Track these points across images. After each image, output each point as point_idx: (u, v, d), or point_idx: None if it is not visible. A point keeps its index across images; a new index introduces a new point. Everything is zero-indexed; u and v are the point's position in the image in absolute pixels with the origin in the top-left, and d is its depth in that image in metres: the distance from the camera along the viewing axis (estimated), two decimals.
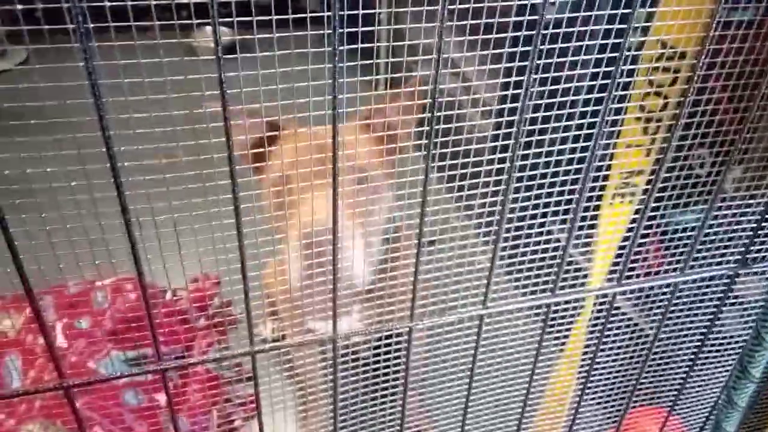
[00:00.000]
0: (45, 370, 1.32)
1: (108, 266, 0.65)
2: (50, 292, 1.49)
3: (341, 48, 0.49)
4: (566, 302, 0.71)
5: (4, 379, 1.31)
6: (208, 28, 0.45)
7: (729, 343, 0.89)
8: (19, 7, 0.50)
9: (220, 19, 0.46)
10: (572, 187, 0.67)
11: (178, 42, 0.60)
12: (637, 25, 0.49)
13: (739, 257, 0.74)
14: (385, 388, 0.88)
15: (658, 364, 0.90)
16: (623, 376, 0.89)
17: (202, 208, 0.64)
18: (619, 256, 0.80)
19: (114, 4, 0.50)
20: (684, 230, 0.89)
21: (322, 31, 0.56)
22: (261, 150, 0.93)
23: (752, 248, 0.75)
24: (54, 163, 0.62)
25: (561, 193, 0.74)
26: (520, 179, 0.68)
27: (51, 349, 0.51)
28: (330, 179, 0.62)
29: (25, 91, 0.60)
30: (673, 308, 0.78)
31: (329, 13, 0.45)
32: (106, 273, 1.46)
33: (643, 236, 0.70)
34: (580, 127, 0.66)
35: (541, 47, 0.52)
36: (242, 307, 0.56)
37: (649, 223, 0.74)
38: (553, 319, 0.78)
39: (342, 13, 0.47)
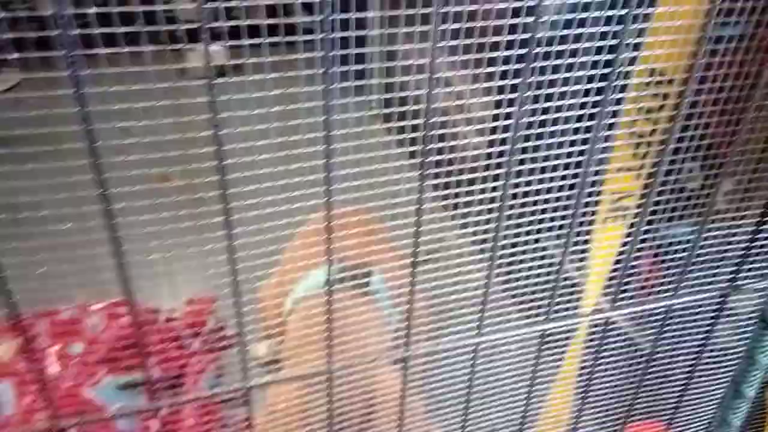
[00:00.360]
0: (39, 399, 1.31)
1: (101, 290, 0.65)
2: (44, 317, 1.48)
3: (333, 69, 0.49)
4: (561, 326, 0.71)
5: None
6: (198, 49, 0.45)
7: (723, 362, 0.89)
8: (4, 36, 0.50)
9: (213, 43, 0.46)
10: (565, 212, 0.67)
11: (171, 64, 0.61)
12: (626, 55, 0.50)
13: (730, 278, 0.74)
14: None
15: (654, 382, 0.90)
16: (620, 392, 0.89)
17: (195, 231, 0.64)
18: (613, 277, 0.81)
19: (104, 30, 0.51)
20: (677, 244, 0.90)
21: (313, 54, 0.56)
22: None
23: (743, 268, 0.75)
24: (46, 188, 0.62)
25: (555, 213, 0.74)
26: (513, 199, 0.69)
27: (41, 379, 0.50)
28: None
29: (14, 116, 0.60)
30: (667, 327, 0.78)
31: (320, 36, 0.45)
32: (99, 297, 1.45)
33: (637, 256, 0.70)
34: (571, 150, 0.67)
35: (535, 64, 0.53)
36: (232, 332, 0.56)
37: (643, 239, 0.75)
38: (548, 341, 0.78)
39: (333, 35, 0.48)
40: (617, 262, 0.78)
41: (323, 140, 0.52)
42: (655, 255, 1.20)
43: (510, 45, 0.60)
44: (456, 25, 0.59)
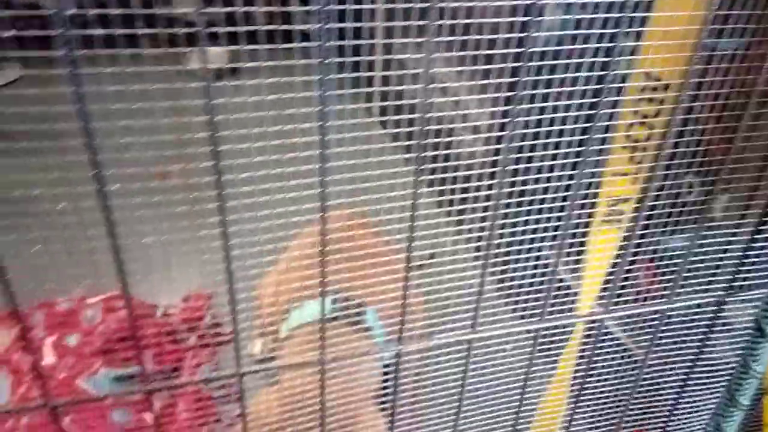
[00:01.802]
0: (33, 388, 1.31)
1: (97, 283, 0.66)
2: (40, 308, 1.48)
3: (330, 76, 0.50)
4: (555, 327, 0.71)
5: None
6: (200, 50, 0.46)
7: (718, 370, 0.89)
8: (6, 34, 0.50)
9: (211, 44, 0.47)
10: (560, 214, 0.67)
11: (171, 65, 0.61)
12: (622, 58, 0.51)
13: (726, 284, 0.75)
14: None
15: (648, 389, 0.90)
16: (614, 399, 0.90)
17: (192, 229, 0.64)
18: (608, 281, 0.81)
19: (104, 32, 0.51)
20: (672, 256, 0.90)
21: (312, 60, 0.57)
22: None
23: (739, 275, 0.75)
24: (44, 181, 0.63)
25: (550, 219, 0.74)
26: (508, 204, 0.69)
27: (36, 367, 0.51)
28: None
29: (14, 110, 0.60)
30: (662, 334, 0.78)
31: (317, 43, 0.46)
32: (95, 290, 1.46)
33: (632, 262, 0.70)
34: (567, 154, 0.67)
35: (532, 67, 0.54)
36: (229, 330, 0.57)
37: (638, 248, 0.75)
38: (543, 342, 0.78)
39: (330, 43, 0.48)
40: (613, 266, 0.78)
41: (318, 143, 0.53)
42: (651, 261, 1.20)
43: (507, 46, 0.61)
44: (452, 38, 0.60)
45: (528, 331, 0.68)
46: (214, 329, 1.56)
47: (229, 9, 0.57)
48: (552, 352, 0.87)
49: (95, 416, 1.22)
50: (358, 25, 0.62)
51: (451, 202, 0.73)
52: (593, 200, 0.75)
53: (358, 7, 0.63)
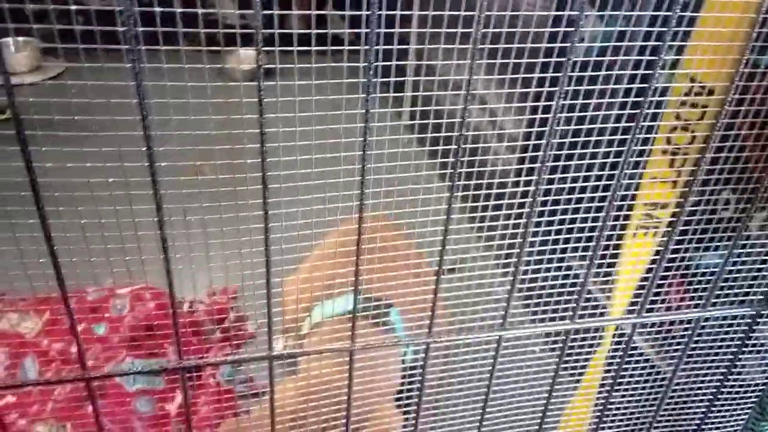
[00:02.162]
0: (60, 373, 1.33)
1: (129, 274, 0.68)
2: (70, 297, 1.51)
3: (375, 81, 0.50)
4: (585, 331, 0.71)
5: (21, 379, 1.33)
6: (241, 52, 0.46)
7: (749, 385, 0.87)
8: (79, 27, 0.52)
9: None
10: (595, 217, 0.67)
11: (211, 65, 0.63)
12: (667, 57, 0.51)
13: (762, 297, 0.73)
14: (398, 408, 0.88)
15: (676, 403, 0.89)
16: (639, 414, 0.88)
17: (221, 224, 0.65)
18: (640, 289, 0.80)
19: (165, 29, 0.53)
20: (705, 274, 0.88)
21: (356, 64, 0.57)
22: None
23: None
24: (81, 170, 0.64)
25: (583, 224, 0.74)
26: (542, 211, 0.69)
27: (78, 341, 0.52)
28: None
29: (58, 103, 0.62)
30: (693, 347, 0.77)
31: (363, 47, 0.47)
32: (129, 281, 1.48)
33: (665, 272, 0.69)
34: (605, 158, 0.67)
35: (571, 75, 0.54)
36: (258, 322, 0.57)
37: (672, 259, 0.74)
38: (571, 349, 0.77)
39: (377, 47, 0.49)
40: (647, 272, 0.77)
41: (360, 145, 0.53)
42: (681, 281, 1.18)
43: (547, 55, 0.61)
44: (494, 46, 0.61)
45: (557, 333, 0.67)
46: (238, 325, 1.57)
47: (285, 11, 0.58)
48: (580, 358, 0.86)
49: (119, 403, 1.24)
50: (403, 30, 0.63)
51: (479, 208, 0.73)
52: (629, 203, 0.74)
53: (407, 12, 0.64)
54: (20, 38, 2.70)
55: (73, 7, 0.50)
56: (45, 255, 0.70)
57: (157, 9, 0.54)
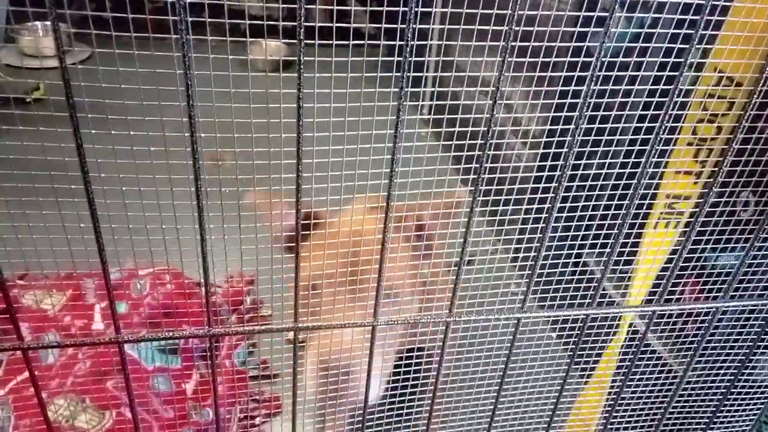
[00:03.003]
0: (81, 349, 1.36)
1: (148, 256, 0.70)
2: (93, 276, 1.54)
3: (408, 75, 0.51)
4: (601, 320, 0.71)
5: (40, 354, 1.36)
6: (262, 42, 0.48)
7: (759, 387, 0.87)
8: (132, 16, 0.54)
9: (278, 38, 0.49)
10: (618, 205, 0.68)
11: (235, 55, 0.64)
12: (698, 45, 0.51)
13: None
14: (413, 393, 0.89)
15: (686, 400, 0.89)
16: (650, 409, 0.89)
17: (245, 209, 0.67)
18: (658, 280, 0.81)
19: (213, 20, 0.55)
20: (720, 274, 0.88)
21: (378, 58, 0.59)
22: (306, 231, 0.94)
23: None
24: (105, 151, 0.66)
25: (602, 219, 0.75)
26: (562, 207, 0.70)
27: (112, 306, 0.54)
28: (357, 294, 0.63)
29: (86, 86, 0.64)
30: (707, 343, 0.78)
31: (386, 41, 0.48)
32: (148, 263, 1.51)
33: (683, 267, 0.70)
34: (629, 151, 0.68)
35: (598, 74, 0.54)
36: (273, 306, 0.58)
37: (690, 255, 0.75)
38: (586, 339, 0.78)
39: (411, 43, 0.50)
40: (666, 263, 0.78)
41: (392, 138, 0.54)
42: (697, 280, 1.18)
43: (573, 55, 0.62)
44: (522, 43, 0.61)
45: (575, 320, 0.68)
46: (253, 311, 1.60)
47: (318, 6, 0.60)
48: (594, 348, 0.87)
49: (137, 380, 1.26)
50: (439, 27, 0.64)
51: (498, 202, 0.74)
52: (652, 191, 0.75)
53: (443, 9, 0.65)
54: (48, 22, 2.75)
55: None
56: (71, 233, 0.73)
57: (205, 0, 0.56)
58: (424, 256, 0.94)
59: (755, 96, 0.58)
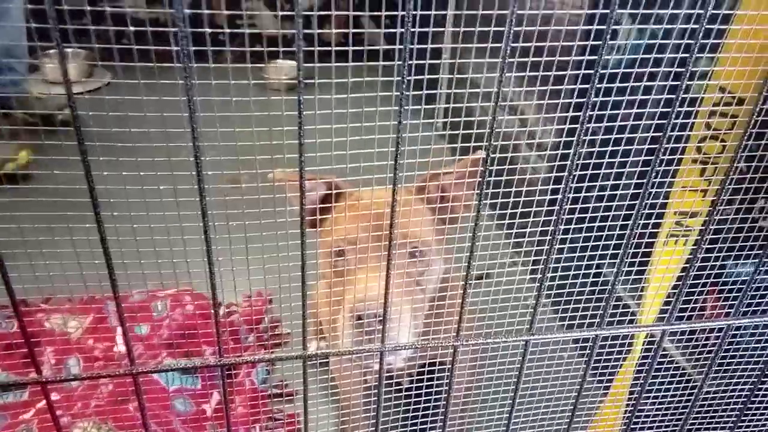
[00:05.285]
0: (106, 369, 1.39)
1: (165, 279, 0.71)
2: (114, 299, 1.57)
3: (407, 93, 0.53)
4: (615, 338, 0.71)
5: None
6: (279, 62, 0.49)
7: None
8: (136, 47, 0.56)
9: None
10: (624, 224, 0.68)
11: (249, 75, 0.66)
12: (696, 69, 0.52)
13: None
14: (426, 413, 0.89)
15: (706, 412, 0.88)
16: (669, 422, 0.88)
17: (262, 229, 0.69)
18: (670, 297, 0.80)
19: (216, 48, 0.56)
20: (736, 283, 0.88)
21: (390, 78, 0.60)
22: (324, 206, 0.98)
23: None
24: (120, 178, 0.68)
25: (611, 231, 0.75)
26: (571, 220, 0.70)
27: (126, 337, 0.56)
28: (383, 253, 0.64)
29: (106, 111, 0.66)
30: (724, 356, 0.77)
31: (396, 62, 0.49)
32: (165, 284, 1.54)
33: (696, 281, 0.70)
34: (635, 166, 0.68)
35: (601, 85, 0.55)
36: (291, 324, 0.60)
37: (704, 268, 0.74)
38: (600, 356, 0.78)
39: (411, 63, 0.51)
40: (678, 279, 0.77)
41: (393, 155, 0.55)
42: (713, 290, 1.17)
43: (579, 62, 0.62)
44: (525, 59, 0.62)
45: (585, 340, 0.68)
46: (272, 331, 1.61)
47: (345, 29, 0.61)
48: (608, 367, 0.86)
49: (158, 400, 1.28)
50: (436, 46, 0.65)
51: (508, 216, 0.75)
52: (659, 211, 0.75)
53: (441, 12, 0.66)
54: (69, 49, 2.82)
55: (131, 29, 0.54)
56: (90, 259, 0.75)
57: (207, 30, 0.58)
58: (450, 221, 0.96)
59: (756, 113, 0.58)
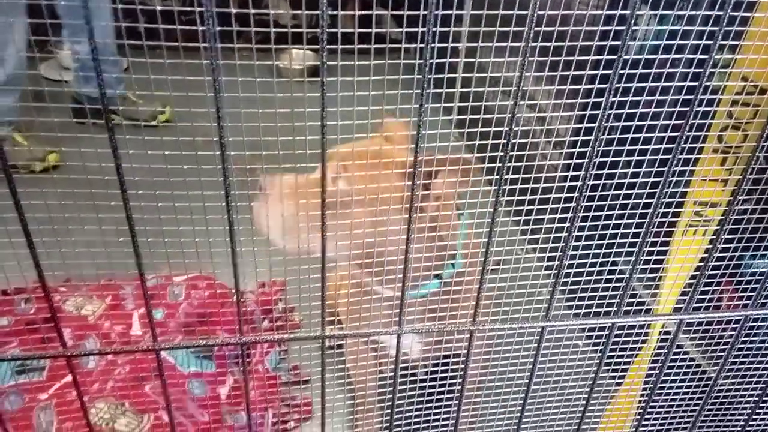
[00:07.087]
0: (119, 355, 1.41)
1: (183, 263, 0.72)
2: (131, 282, 1.59)
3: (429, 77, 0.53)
4: (630, 328, 0.71)
5: (81, 360, 1.41)
6: (293, 51, 0.49)
7: None
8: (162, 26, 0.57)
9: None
10: (643, 213, 0.68)
11: (264, 63, 0.67)
12: (718, 56, 0.51)
13: None
14: (440, 400, 0.90)
15: (721, 404, 0.88)
16: (683, 414, 0.88)
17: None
18: (688, 287, 0.80)
19: (241, 28, 0.57)
20: (754, 274, 0.87)
21: (407, 61, 0.60)
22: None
23: None
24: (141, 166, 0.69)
25: (629, 223, 0.74)
26: (588, 208, 0.70)
27: (149, 316, 0.57)
28: None
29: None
30: (740, 348, 0.77)
31: (413, 45, 0.49)
32: (181, 269, 1.55)
33: (715, 271, 0.69)
34: (654, 157, 0.67)
35: (622, 73, 0.55)
36: (304, 314, 0.60)
37: (722, 259, 0.74)
38: (615, 346, 0.78)
39: (432, 45, 0.51)
40: (696, 270, 0.77)
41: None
42: (730, 281, 1.16)
43: (599, 52, 0.62)
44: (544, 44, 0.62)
45: (601, 328, 0.68)
46: (285, 316, 1.62)
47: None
48: (623, 357, 0.86)
49: (173, 385, 1.30)
50: (457, 29, 0.65)
51: (524, 202, 0.75)
52: (679, 200, 0.74)
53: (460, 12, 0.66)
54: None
55: (158, 7, 0.55)
56: (108, 244, 0.76)
57: (233, 10, 0.59)
58: (431, 212, 0.94)
59: None
